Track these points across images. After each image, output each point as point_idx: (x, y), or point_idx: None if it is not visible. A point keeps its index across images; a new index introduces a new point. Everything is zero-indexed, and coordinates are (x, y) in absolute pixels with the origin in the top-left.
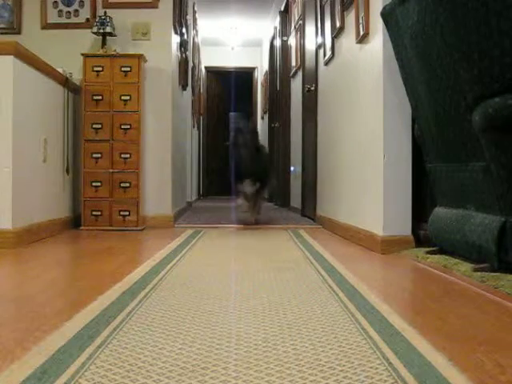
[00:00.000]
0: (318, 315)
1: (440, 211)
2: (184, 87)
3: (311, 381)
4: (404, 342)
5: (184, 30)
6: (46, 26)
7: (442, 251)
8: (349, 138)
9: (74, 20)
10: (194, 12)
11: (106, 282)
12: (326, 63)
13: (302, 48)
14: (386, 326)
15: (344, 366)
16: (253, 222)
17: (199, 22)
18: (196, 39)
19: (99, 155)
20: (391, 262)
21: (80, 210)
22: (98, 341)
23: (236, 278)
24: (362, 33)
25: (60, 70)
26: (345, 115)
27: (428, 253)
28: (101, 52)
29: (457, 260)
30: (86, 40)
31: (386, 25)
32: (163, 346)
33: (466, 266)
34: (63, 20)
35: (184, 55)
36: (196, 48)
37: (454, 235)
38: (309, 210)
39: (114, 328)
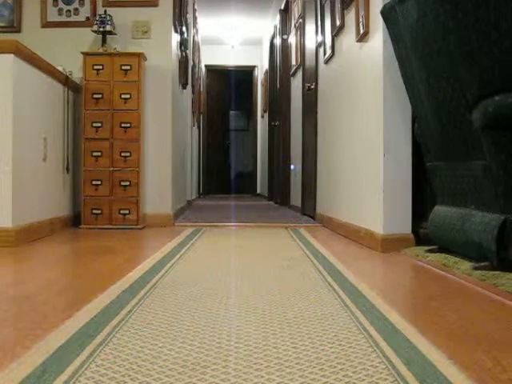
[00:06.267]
0: (317, 314)
1: (440, 210)
2: (184, 86)
3: (311, 379)
4: (404, 341)
5: (184, 29)
6: (46, 24)
7: (441, 250)
8: (349, 136)
9: (74, 18)
10: (194, 10)
11: (106, 280)
12: (326, 62)
13: (302, 46)
14: (386, 324)
15: (344, 364)
16: None
17: (199, 20)
18: (196, 38)
19: (99, 154)
20: (391, 260)
21: (80, 208)
22: (98, 339)
23: (236, 277)
24: (362, 31)
25: (60, 69)
26: (345, 114)
27: (428, 251)
28: (101, 50)
29: (457, 258)
30: (86, 38)
31: (386, 23)
32: (163, 345)
33: (465, 265)
34: (63, 18)
35: (184, 54)
36: (196, 46)
37: (453, 234)
38: (309, 209)
39: (114, 326)
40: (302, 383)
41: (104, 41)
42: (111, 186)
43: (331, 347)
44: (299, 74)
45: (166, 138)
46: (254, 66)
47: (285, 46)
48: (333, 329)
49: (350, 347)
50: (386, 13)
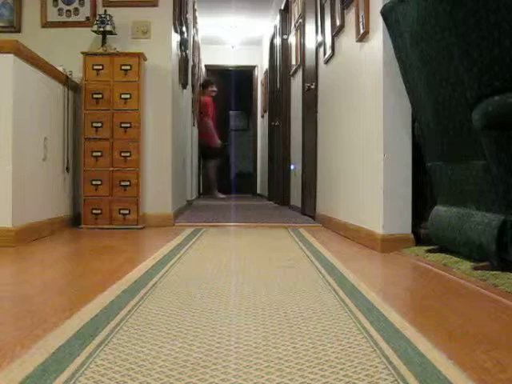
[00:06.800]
0: (318, 314)
1: (440, 210)
2: (184, 86)
3: (311, 379)
4: (404, 341)
5: (184, 29)
6: (46, 24)
7: (441, 250)
8: (349, 136)
9: (74, 18)
10: (194, 10)
11: (106, 280)
12: (326, 62)
13: (302, 46)
14: (386, 324)
15: (344, 364)
16: None
17: (199, 20)
18: (196, 38)
19: (99, 154)
20: (391, 260)
21: (80, 208)
22: (98, 339)
23: (236, 277)
24: (362, 31)
25: (60, 69)
26: (345, 113)
27: (428, 251)
28: (101, 50)
29: (457, 258)
30: (86, 38)
31: (385, 23)
32: (163, 345)
33: (466, 265)
34: (63, 18)
35: (184, 54)
36: (196, 46)
37: (454, 234)
38: (309, 209)
39: (114, 326)
40: (301, 383)
41: (104, 41)
42: (111, 185)
43: (331, 347)
44: (299, 73)
45: (165, 138)
46: (253, 66)
47: (285, 46)
48: (333, 329)
49: (350, 347)
50: (386, 13)
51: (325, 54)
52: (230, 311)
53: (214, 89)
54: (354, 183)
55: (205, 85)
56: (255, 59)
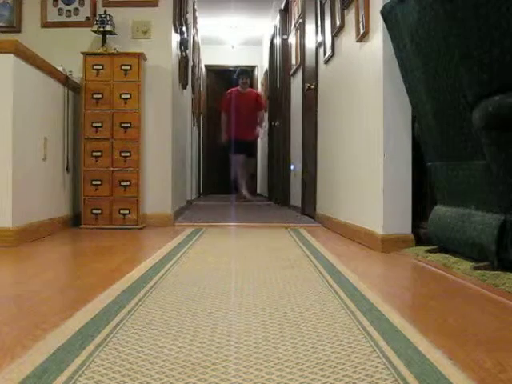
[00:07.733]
0: (318, 314)
1: (440, 210)
2: (184, 86)
3: (311, 379)
4: (404, 341)
5: (184, 29)
6: (46, 24)
7: (442, 250)
8: (349, 136)
9: (73, 18)
10: (194, 10)
11: (106, 280)
12: (326, 62)
13: (302, 46)
14: (386, 324)
15: (344, 364)
16: None
17: (199, 20)
18: (196, 38)
19: (99, 154)
20: (391, 260)
21: (80, 208)
22: (98, 339)
23: (236, 277)
24: (362, 31)
25: (60, 69)
26: (345, 113)
27: (428, 251)
28: (101, 50)
29: (457, 258)
30: (86, 38)
31: (385, 23)
32: (163, 345)
33: (466, 265)
34: (63, 18)
35: (184, 54)
36: (196, 46)
37: (454, 234)
38: (309, 209)
39: (114, 326)
40: (301, 383)
41: (104, 41)
42: (111, 186)
43: (331, 347)
44: (299, 73)
45: (166, 138)
46: (254, 66)
47: (285, 45)
48: (333, 329)
49: (350, 347)
50: (386, 13)
51: (325, 54)
52: (230, 311)
53: (244, 80)
54: (354, 183)
55: (236, 77)
56: (255, 59)
